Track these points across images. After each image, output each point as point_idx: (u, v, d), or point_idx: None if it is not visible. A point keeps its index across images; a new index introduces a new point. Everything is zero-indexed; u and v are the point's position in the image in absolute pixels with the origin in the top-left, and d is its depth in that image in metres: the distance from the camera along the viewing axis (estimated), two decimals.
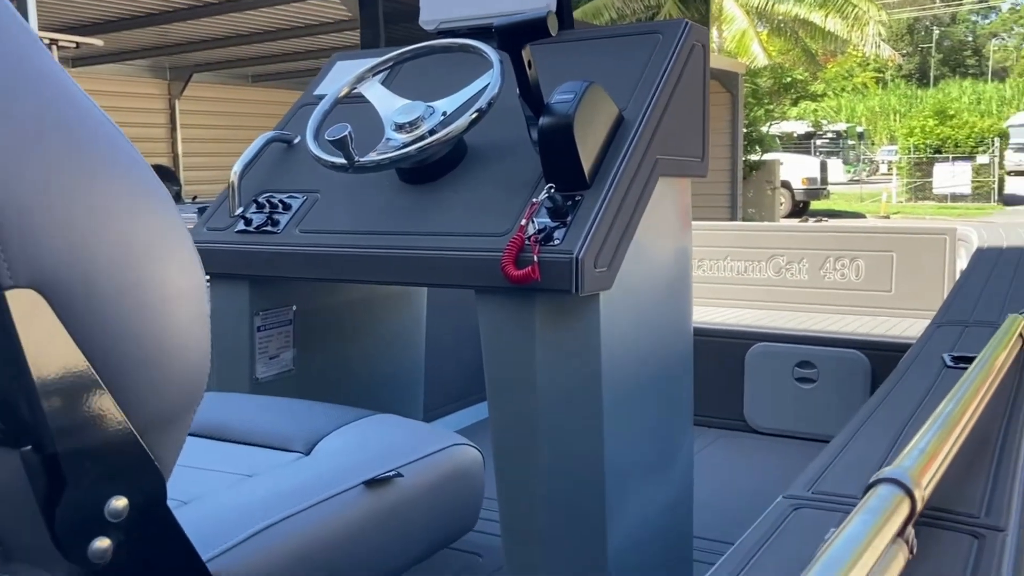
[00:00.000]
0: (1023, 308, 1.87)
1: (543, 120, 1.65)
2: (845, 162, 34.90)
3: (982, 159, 25.47)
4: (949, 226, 3.74)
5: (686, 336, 2.01)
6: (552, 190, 1.64)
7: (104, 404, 0.71)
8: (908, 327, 3.46)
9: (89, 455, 0.70)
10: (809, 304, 3.93)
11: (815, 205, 23.33)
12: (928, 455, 0.83)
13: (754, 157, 17.70)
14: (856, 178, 34.97)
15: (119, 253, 0.70)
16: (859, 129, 40.15)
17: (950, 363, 1.61)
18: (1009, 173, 28.67)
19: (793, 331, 3.39)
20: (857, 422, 1.27)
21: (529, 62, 1.66)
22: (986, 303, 2.10)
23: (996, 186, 24.84)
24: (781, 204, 20.12)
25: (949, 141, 26.51)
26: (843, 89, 47.44)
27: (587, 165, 1.67)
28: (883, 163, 37.48)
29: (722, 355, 3.40)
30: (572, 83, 1.69)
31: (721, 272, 4.12)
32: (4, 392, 0.68)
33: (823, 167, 24.21)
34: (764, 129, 19.01)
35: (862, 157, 38.33)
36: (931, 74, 54.12)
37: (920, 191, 26.35)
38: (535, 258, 1.59)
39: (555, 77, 1.87)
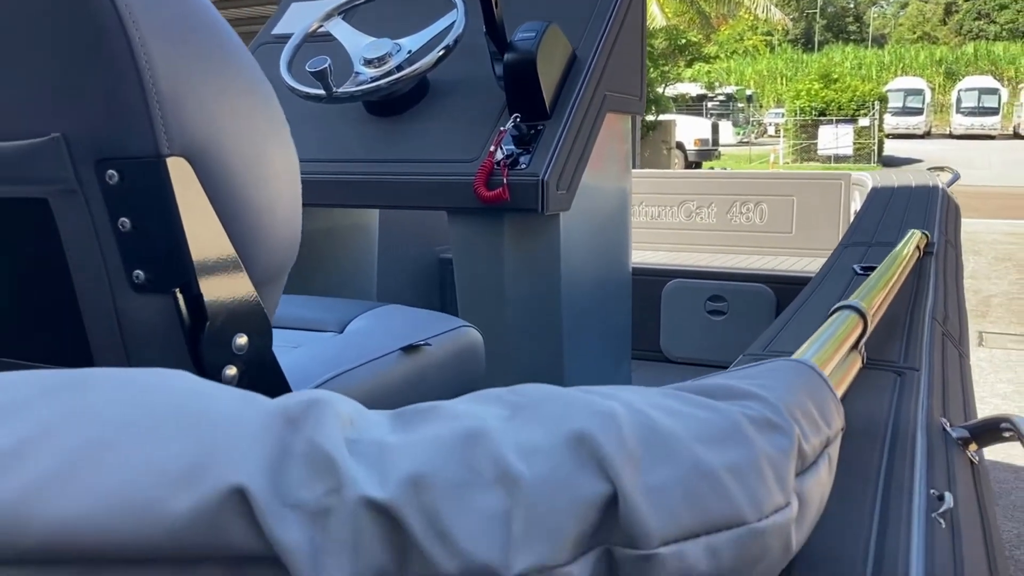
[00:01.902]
0: (933, 216, 2.15)
1: (508, 56, 1.82)
2: (735, 124, 35.89)
3: (863, 122, 26.62)
4: (844, 172, 4.07)
5: (627, 264, 2.22)
6: (518, 119, 1.82)
7: (232, 258, 0.86)
8: (808, 264, 3.78)
9: (222, 298, 0.86)
10: (718, 245, 4.22)
11: (706, 166, 24.04)
12: (867, 298, 1.06)
13: (650, 118, 18.15)
14: (745, 140, 36.04)
15: (244, 133, 0.86)
16: (748, 92, 41.31)
17: (860, 271, 1.86)
18: (888, 136, 30.09)
19: (705, 268, 3.66)
20: (791, 309, 1.49)
21: (496, 1, 1.82)
22: (885, 227, 2.38)
23: (876, 148, 26.04)
24: (675, 164, 20.70)
25: (833, 104, 27.58)
26: (735, 52, 48.65)
27: (548, 97, 1.85)
28: (770, 125, 38.69)
29: (640, 291, 3.65)
30: (532, 23, 1.86)
31: (637, 217, 4.37)
32: (157, 245, 0.83)
33: (715, 129, 24.90)
34: (660, 90, 19.47)
35: (751, 119, 39.50)
36: (816, 39, 55.96)
37: (805, 152, 27.38)
38: (504, 180, 1.77)
39: (511, 20, 2.04)
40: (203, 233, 0.83)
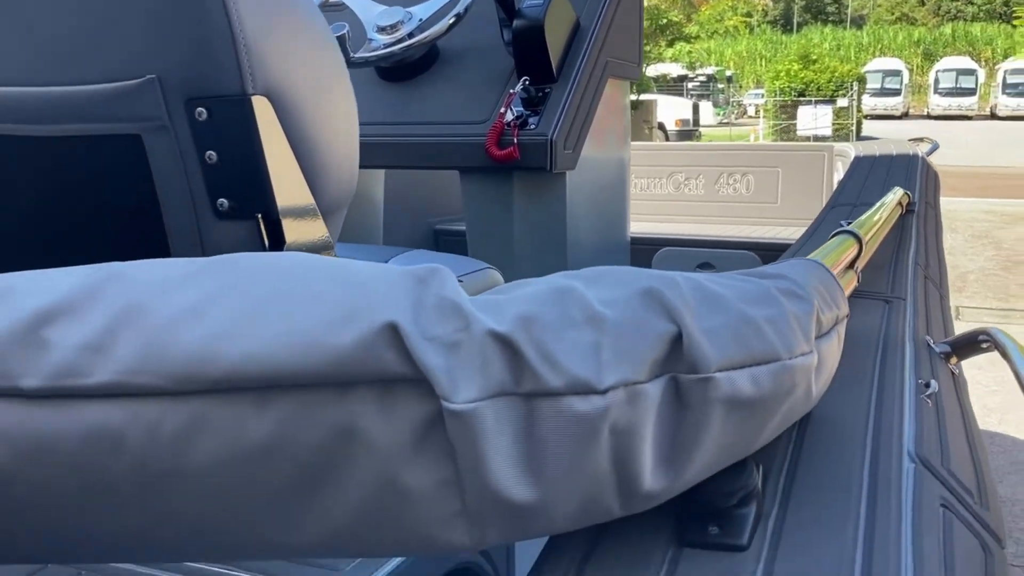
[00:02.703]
0: (913, 181, 2.28)
1: (517, 22, 1.93)
2: (715, 105, 36.07)
3: (842, 102, 26.84)
4: (827, 144, 4.20)
5: (625, 232, 2.34)
6: (527, 82, 1.93)
7: (304, 188, 0.97)
8: (794, 232, 3.91)
9: (296, 224, 0.97)
10: (706, 216, 4.34)
11: None
12: (864, 230, 1.19)
13: (632, 97, 18.27)
14: (725, 120, 36.21)
15: (314, 75, 0.96)
16: (728, 73, 41.47)
17: (845, 226, 1.99)
18: (866, 116, 30.36)
19: (694, 236, 3.79)
20: (782, 260, 1.61)
21: None
22: (867, 191, 2.51)
23: (855, 128, 26.27)
24: None
25: (812, 85, 27.75)
26: (715, 32, 48.78)
27: (554, 61, 1.96)
28: (750, 106, 38.87)
29: (632, 259, 3.78)
30: None
31: None
32: (241, 176, 0.93)
33: (695, 109, 25.04)
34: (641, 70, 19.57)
35: (731, 100, 39.68)
36: (795, 20, 56.16)
37: (785, 132, 27.57)
38: (515, 140, 1.88)
39: None
40: (280, 165, 0.94)
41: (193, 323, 0.57)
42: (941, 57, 40.29)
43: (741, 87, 43.80)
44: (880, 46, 43.72)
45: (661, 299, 0.56)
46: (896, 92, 36.19)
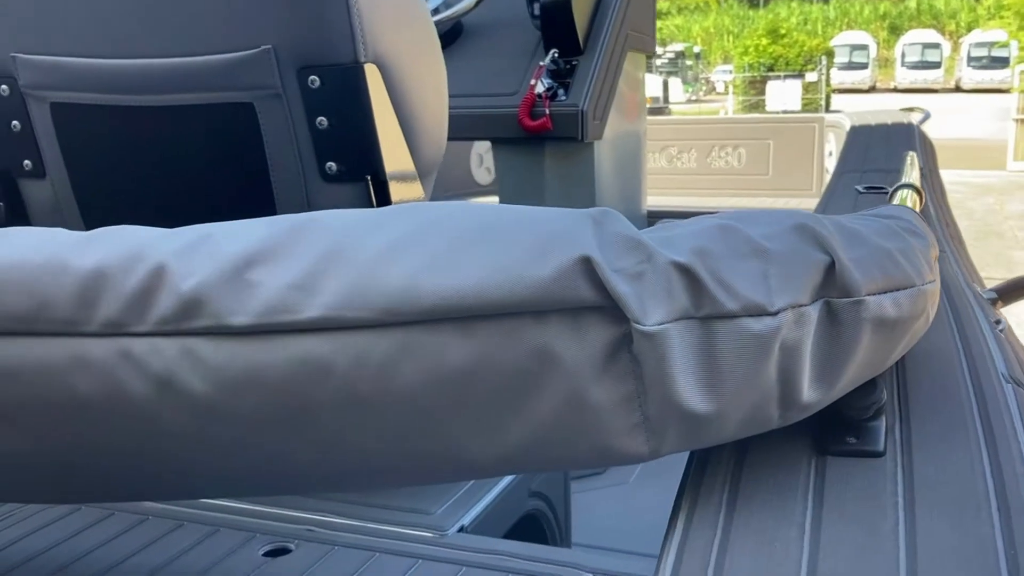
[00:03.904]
0: (911, 148, 2.37)
1: None
2: (684, 81, 36.19)
3: (811, 76, 27.05)
4: (818, 115, 4.30)
5: (642, 204, 2.42)
6: (556, 55, 1.99)
7: (406, 152, 1.03)
8: (786, 203, 4.01)
9: (399, 185, 1.03)
10: (699, 189, 4.44)
11: None
12: (912, 191, 1.27)
13: None
14: (694, 97, 36.37)
15: (414, 43, 1.02)
16: (696, 49, 41.61)
17: (863, 191, 2.08)
18: (834, 91, 30.62)
19: (688, 208, 3.88)
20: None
21: None
22: (872, 157, 2.60)
23: (824, 102, 26.51)
24: None
25: (781, 60, 27.93)
26: (683, 8, 48.88)
27: (581, 34, 2.02)
28: (719, 82, 39.04)
29: None
30: None
31: None
32: (351, 140, 0.99)
33: (665, 86, 25.15)
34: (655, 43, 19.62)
35: (699, 76, 39.85)
36: None
37: (754, 108, 27.74)
38: (547, 111, 1.94)
39: None
40: (386, 129, 1.00)
41: (396, 260, 0.63)
42: (907, 31, 40.69)
43: (709, 63, 43.96)
44: (847, 20, 44.07)
45: (813, 233, 0.63)
46: (863, 66, 36.54)
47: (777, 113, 25.99)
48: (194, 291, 0.65)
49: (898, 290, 0.65)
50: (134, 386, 0.67)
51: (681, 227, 0.66)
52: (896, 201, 1.10)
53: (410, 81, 1.03)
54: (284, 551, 1.09)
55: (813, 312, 0.62)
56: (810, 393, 0.63)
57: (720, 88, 37.40)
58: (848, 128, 3.62)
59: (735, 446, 0.70)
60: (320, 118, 0.99)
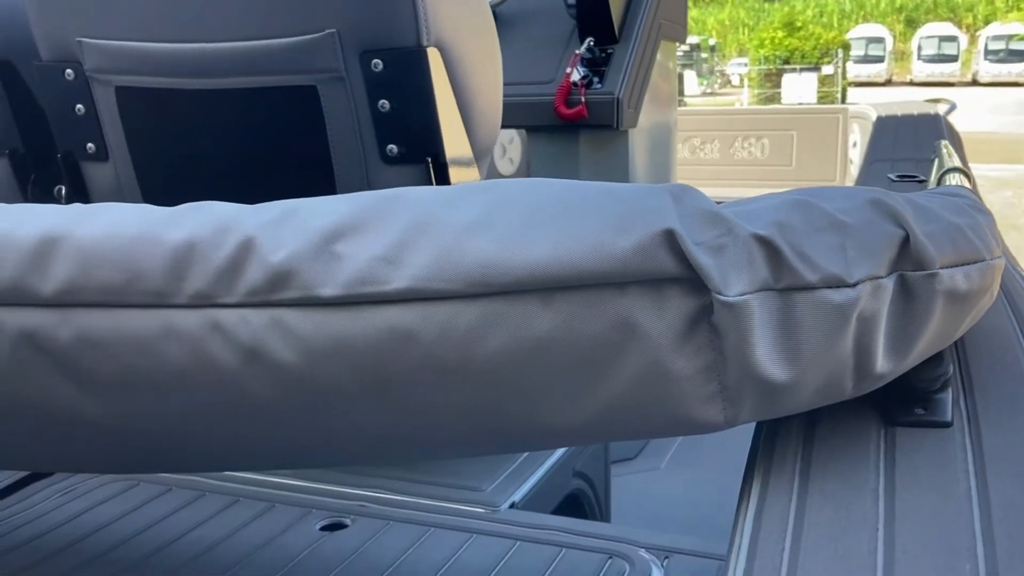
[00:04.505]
0: (939, 139, 2.38)
1: None
2: (699, 74, 36.05)
3: (827, 69, 26.92)
4: (842, 106, 4.30)
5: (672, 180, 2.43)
6: (591, 43, 2.01)
7: (463, 135, 1.05)
8: None
9: (457, 166, 1.05)
10: (722, 180, 4.44)
11: None
12: (960, 174, 1.28)
13: None
14: (709, 90, 36.21)
15: (473, 28, 1.05)
16: (711, 42, 41.46)
17: (896, 179, 2.09)
18: (850, 84, 30.46)
19: (713, 198, 3.88)
20: None
21: None
22: (901, 146, 2.61)
23: (840, 95, 26.38)
24: None
25: (797, 52, 27.78)
26: (698, 0, 48.67)
27: (616, 22, 2.04)
28: (734, 75, 38.85)
29: None
30: None
31: None
32: (413, 123, 1.02)
33: (680, 79, 25.05)
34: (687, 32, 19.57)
35: (714, 69, 39.70)
36: None
37: (770, 101, 27.60)
38: (582, 99, 1.96)
39: None
40: (446, 112, 1.02)
41: (481, 233, 0.65)
42: (923, 24, 40.43)
43: (724, 56, 43.77)
44: (863, 13, 43.81)
45: (887, 208, 0.65)
46: (879, 59, 36.33)
47: (795, 105, 25.84)
48: (283, 263, 0.67)
49: (969, 264, 0.67)
50: (222, 356, 0.69)
51: (757, 202, 0.68)
52: (949, 183, 1.11)
53: (469, 65, 1.05)
54: (340, 526, 1.11)
55: (889, 284, 0.64)
56: (884, 364, 0.65)
57: (735, 81, 37.24)
58: (874, 119, 3.62)
59: (803, 418, 0.72)
60: (382, 101, 1.01)
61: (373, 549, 1.06)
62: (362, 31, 0.99)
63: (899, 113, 3.59)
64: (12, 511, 1.18)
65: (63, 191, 1.25)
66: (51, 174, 1.26)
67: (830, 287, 0.62)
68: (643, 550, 1.03)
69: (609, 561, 1.02)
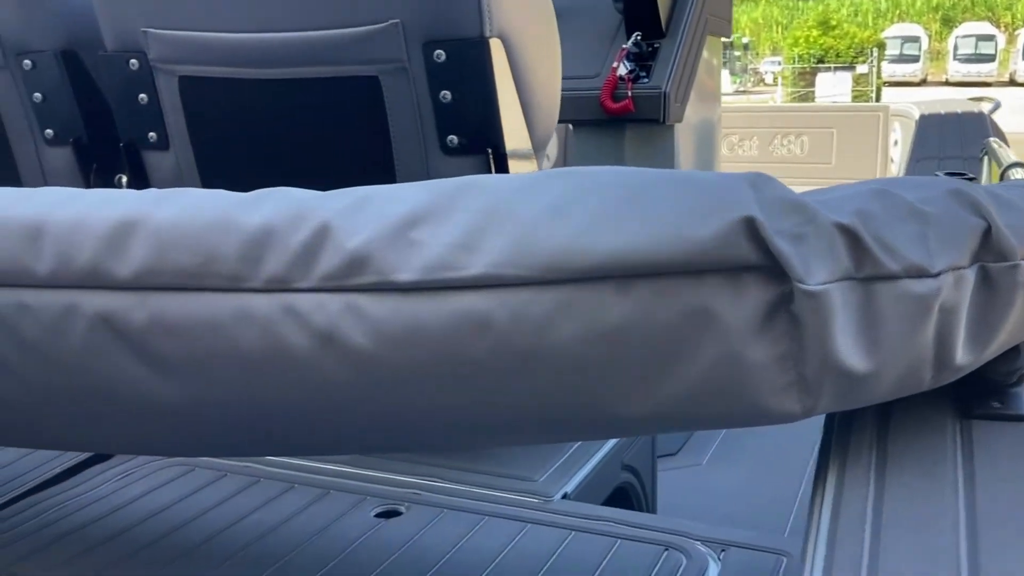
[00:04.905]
0: (985, 137, 2.36)
1: None
2: (732, 72, 35.81)
3: (861, 69, 26.66)
4: (883, 104, 4.26)
5: None
6: (639, 37, 2.00)
7: (523, 126, 1.05)
8: None
9: (518, 158, 1.05)
10: None
11: None
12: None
13: None
14: (742, 88, 35.96)
15: (536, 19, 1.05)
16: (744, 40, 41.17)
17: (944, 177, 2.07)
18: (884, 83, 30.14)
19: None
20: None
21: None
22: (946, 144, 2.58)
23: (874, 95, 26.11)
24: None
25: (831, 51, 27.55)
26: None
27: (663, 17, 2.03)
28: (767, 74, 38.56)
29: None
30: None
31: None
32: (474, 114, 1.02)
33: None
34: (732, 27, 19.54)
35: (747, 68, 39.42)
36: None
37: (803, 100, 27.35)
38: (629, 93, 1.96)
39: None
40: (507, 103, 1.02)
41: (557, 220, 0.65)
42: (960, 23, 39.91)
43: (757, 54, 43.46)
44: (898, 12, 43.32)
45: (968, 198, 0.65)
46: (915, 59, 35.89)
47: (835, 103, 25.61)
48: (360, 248, 0.67)
49: None
50: (296, 341, 0.69)
51: (836, 191, 0.67)
52: (1013, 177, 1.10)
53: (530, 57, 1.05)
54: (395, 513, 1.12)
55: (971, 275, 0.63)
56: (963, 356, 0.65)
57: (768, 79, 36.96)
58: (917, 117, 3.59)
59: (876, 410, 0.72)
60: (444, 92, 1.02)
61: (428, 536, 1.07)
62: (426, 21, 1.00)
63: (943, 111, 3.56)
64: (72, 493, 1.20)
65: (123, 180, 1.27)
66: (112, 163, 1.27)
67: (912, 277, 0.61)
68: (699, 543, 1.03)
69: (665, 553, 1.02)
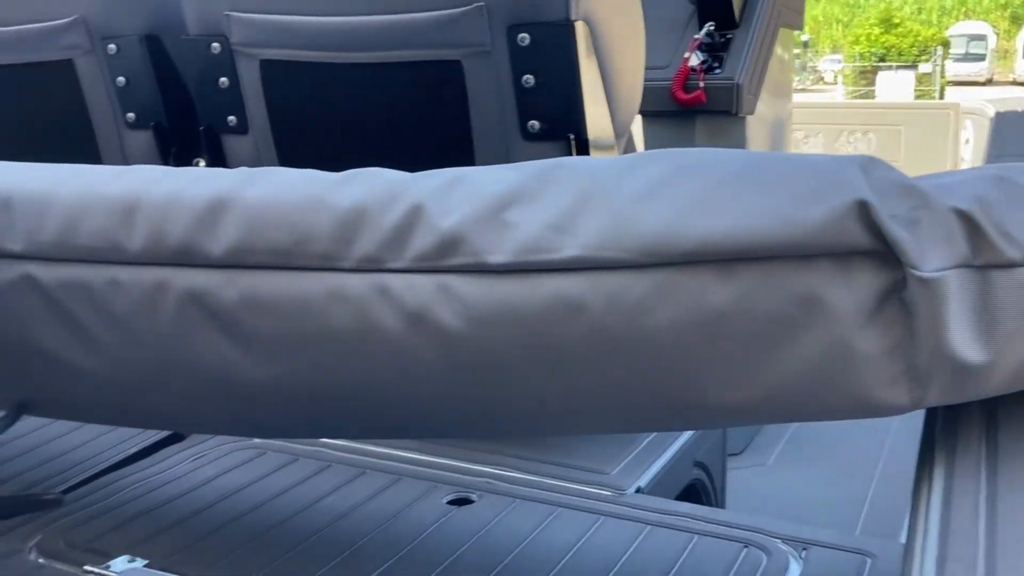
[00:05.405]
0: None
1: None
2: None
3: (925, 67, 26.10)
4: (954, 101, 4.16)
5: None
6: (711, 28, 1.98)
7: (606, 113, 1.04)
8: None
9: (598, 145, 1.04)
10: None
11: None
12: None
13: None
14: (801, 86, 35.43)
15: (622, 8, 1.04)
16: (804, 38, 40.57)
17: None
18: (949, 83, 29.46)
19: None
20: None
21: None
22: None
23: (938, 94, 25.53)
24: None
25: (893, 50, 27.02)
26: None
27: (736, 7, 2.00)
28: (826, 72, 37.95)
29: None
30: None
31: None
32: (556, 99, 1.01)
33: None
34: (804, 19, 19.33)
35: (806, 66, 38.84)
36: None
37: (863, 99, 26.84)
38: (701, 84, 1.93)
39: None
40: (590, 89, 1.01)
41: (655, 202, 0.63)
42: None
43: (817, 52, 42.79)
44: (964, 9, 42.32)
45: None
46: (980, 57, 35.03)
47: (903, 101, 25.08)
48: (453, 229, 0.66)
49: None
50: (388, 321, 0.69)
51: (949, 177, 0.65)
52: None
53: (614, 42, 1.03)
54: (467, 501, 1.11)
55: None
56: None
57: (828, 78, 36.37)
58: (992, 115, 3.49)
59: (982, 404, 0.69)
60: (526, 76, 1.01)
61: (501, 526, 1.06)
62: (511, 5, 0.99)
63: (1020, 109, 3.46)
64: (148, 473, 1.21)
65: (201, 164, 1.28)
66: (191, 147, 1.28)
67: None
68: (780, 541, 1.00)
69: (744, 551, 0.99)
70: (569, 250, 0.64)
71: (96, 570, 0.92)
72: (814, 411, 0.66)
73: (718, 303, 0.62)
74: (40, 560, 0.98)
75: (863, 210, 0.59)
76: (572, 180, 0.66)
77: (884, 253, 0.59)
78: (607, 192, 0.65)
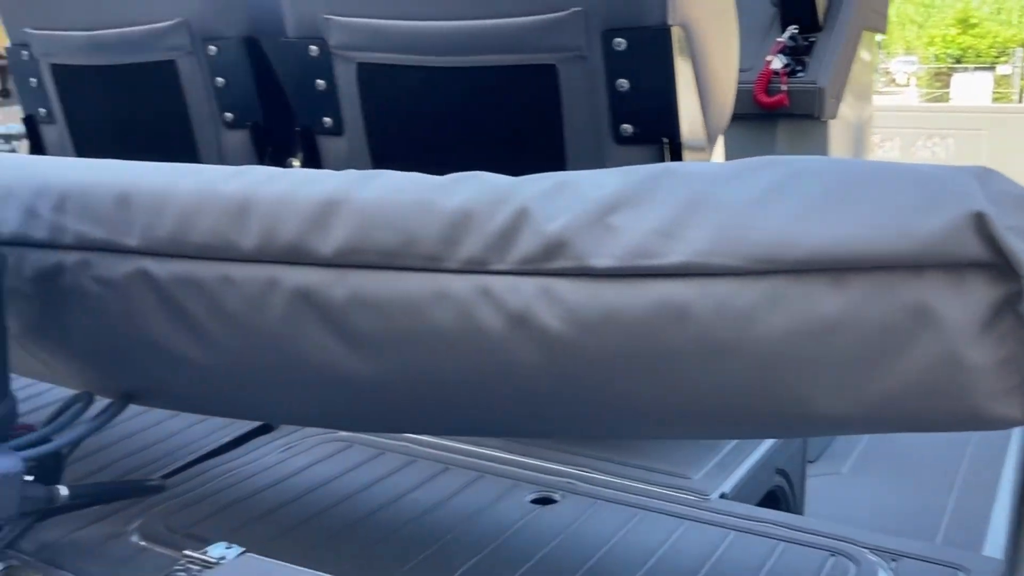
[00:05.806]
0: None
1: None
2: None
3: (1003, 69, 25.35)
4: None
5: None
6: (795, 31, 1.96)
7: (700, 118, 1.04)
8: None
9: (693, 150, 1.05)
10: None
11: None
12: None
13: None
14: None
15: (718, 13, 1.04)
16: (877, 39, 39.78)
17: None
18: None
19: None
20: None
21: None
22: None
23: (1017, 97, 24.80)
24: None
25: (970, 51, 26.30)
26: None
27: (820, 11, 1.98)
28: (898, 73, 37.09)
29: None
30: None
31: None
32: (651, 103, 1.01)
33: None
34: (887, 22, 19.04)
35: (878, 67, 38.06)
36: None
37: (938, 101, 26.21)
38: (784, 87, 1.91)
39: None
40: (684, 93, 1.01)
41: (767, 209, 0.64)
42: None
43: (889, 54, 41.88)
44: None
45: None
46: None
47: (984, 104, 24.45)
48: (558, 233, 0.68)
49: None
50: (491, 322, 0.70)
51: None
52: None
53: (709, 46, 1.04)
54: (550, 500, 1.12)
55: None
56: None
57: (900, 79, 35.55)
58: None
59: None
60: (620, 80, 1.02)
61: (584, 527, 1.06)
62: (607, 9, 1.00)
63: None
64: (240, 463, 1.24)
65: (296, 164, 1.31)
66: (286, 147, 1.32)
67: None
68: (868, 551, 0.99)
69: (832, 560, 0.99)
70: (677, 256, 0.65)
71: (195, 555, 0.95)
72: (922, 423, 0.65)
73: (830, 312, 0.62)
74: (143, 543, 1.02)
75: (979, 222, 0.58)
76: (680, 186, 0.67)
77: (1000, 265, 0.58)
78: (717, 198, 0.65)
